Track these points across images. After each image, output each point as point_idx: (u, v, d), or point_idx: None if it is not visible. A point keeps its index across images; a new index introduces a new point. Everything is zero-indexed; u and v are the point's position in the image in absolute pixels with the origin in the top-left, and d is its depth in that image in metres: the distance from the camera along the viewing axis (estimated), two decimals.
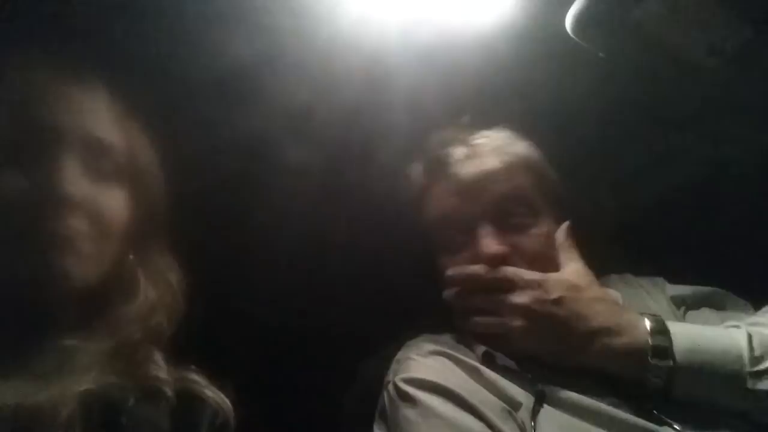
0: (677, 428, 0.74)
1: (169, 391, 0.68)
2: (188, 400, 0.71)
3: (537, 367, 0.83)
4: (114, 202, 0.73)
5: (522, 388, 0.81)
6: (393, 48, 0.99)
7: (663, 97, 0.96)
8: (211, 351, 0.77)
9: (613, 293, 0.95)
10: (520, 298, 0.84)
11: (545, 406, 0.78)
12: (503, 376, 0.82)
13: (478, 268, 0.88)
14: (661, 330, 0.79)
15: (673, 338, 0.78)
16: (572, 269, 0.89)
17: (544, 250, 0.92)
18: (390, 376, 0.87)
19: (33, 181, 0.65)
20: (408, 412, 0.80)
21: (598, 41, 0.89)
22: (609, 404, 0.77)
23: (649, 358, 0.77)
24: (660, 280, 1.02)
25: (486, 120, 1.02)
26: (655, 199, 1.12)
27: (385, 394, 0.86)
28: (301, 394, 1.00)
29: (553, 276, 0.87)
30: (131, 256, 0.76)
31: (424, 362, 0.87)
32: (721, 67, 0.88)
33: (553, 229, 0.94)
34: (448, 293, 0.91)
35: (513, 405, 0.79)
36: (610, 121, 1.04)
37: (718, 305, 0.96)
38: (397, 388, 0.83)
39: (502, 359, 0.85)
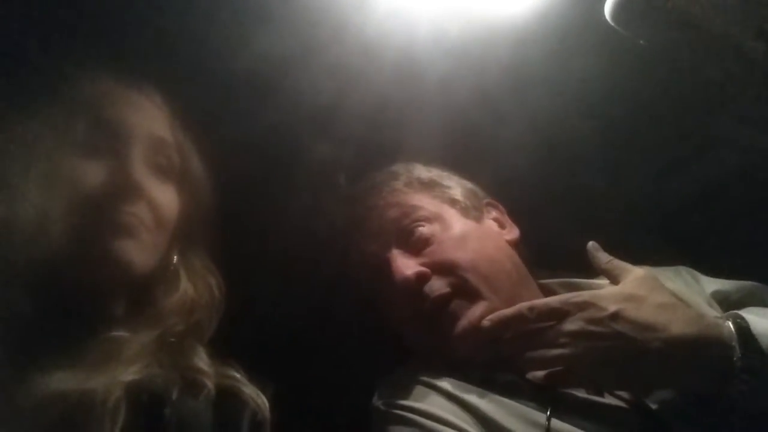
0: None
1: (210, 385, 0.70)
2: (228, 395, 0.72)
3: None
4: (169, 197, 0.78)
5: (528, 404, 0.78)
6: (423, 41, 0.97)
7: (707, 85, 0.93)
8: (250, 352, 0.78)
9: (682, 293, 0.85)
10: (571, 324, 0.74)
11: (558, 415, 0.76)
12: (501, 395, 0.79)
13: (519, 309, 0.79)
14: (747, 337, 0.70)
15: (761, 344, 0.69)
16: (628, 280, 0.80)
17: (461, 252, 0.89)
18: (374, 401, 0.87)
19: (108, 171, 0.71)
20: (393, 430, 0.80)
21: (640, 28, 0.86)
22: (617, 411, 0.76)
23: (736, 374, 0.68)
24: (685, 269, 0.96)
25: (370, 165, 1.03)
26: (698, 190, 1.09)
27: (373, 418, 0.86)
28: (336, 397, 0.97)
29: (602, 291, 0.79)
30: (175, 256, 0.80)
31: (407, 386, 0.85)
32: None
33: (464, 229, 0.92)
34: (498, 348, 0.81)
35: (523, 421, 0.76)
36: (650, 110, 1.01)
37: (764, 302, 0.89)
38: (382, 411, 0.83)
39: (502, 375, 0.81)
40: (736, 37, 0.84)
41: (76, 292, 0.68)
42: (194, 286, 0.79)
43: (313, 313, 1.01)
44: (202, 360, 0.73)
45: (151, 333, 0.70)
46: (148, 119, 0.78)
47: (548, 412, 0.75)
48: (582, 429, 0.74)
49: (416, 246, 0.91)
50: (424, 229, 0.91)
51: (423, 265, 0.88)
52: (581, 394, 0.79)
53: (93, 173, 0.70)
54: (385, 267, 0.90)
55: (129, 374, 0.64)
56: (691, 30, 0.84)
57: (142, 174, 0.73)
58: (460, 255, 0.88)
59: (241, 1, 0.88)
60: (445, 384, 0.82)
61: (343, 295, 1.00)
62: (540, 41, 0.97)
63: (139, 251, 0.71)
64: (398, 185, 0.98)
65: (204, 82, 0.88)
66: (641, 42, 0.87)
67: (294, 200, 1.01)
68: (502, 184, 1.06)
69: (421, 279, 0.87)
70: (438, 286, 0.86)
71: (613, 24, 0.86)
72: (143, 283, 0.75)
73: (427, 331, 0.88)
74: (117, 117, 0.75)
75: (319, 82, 0.96)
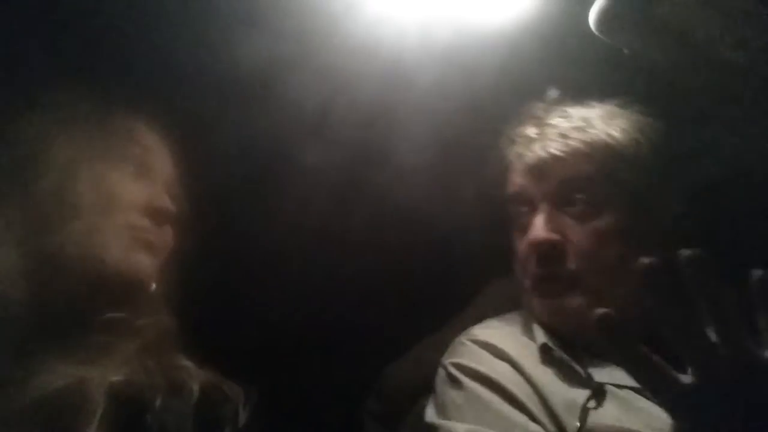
0: None
1: (194, 385, 0.72)
2: (211, 398, 0.74)
3: (594, 362, 0.81)
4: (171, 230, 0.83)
5: (574, 385, 0.79)
6: (411, 48, 0.97)
7: (689, 93, 0.94)
8: (233, 352, 0.78)
9: None
10: None
11: (600, 403, 0.76)
12: (557, 373, 0.81)
13: None
14: None
15: None
16: None
17: (599, 247, 0.85)
18: (444, 359, 0.88)
19: (147, 192, 0.79)
20: (454, 396, 0.80)
21: (623, 38, 0.87)
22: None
23: None
24: None
25: (578, 95, 0.95)
26: (687, 196, 1.09)
27: (437, 375, 0.87)
28: (324, 396, 0.99)
29: None
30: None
31: (475, 350, 0.86)
32: (749, 61, 0.85)
33: (619, 226, 0.86)
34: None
35: (562, 402, 0.77)
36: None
37: None
38: (446, 371, 0.85)
39: (559, 353, 0.83)
40: (717, 46, 0.85)
41: (84, 295, 0.71)
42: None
43: (309, 315, 1.03)
44: (185, 363, 0.75)
45: (135, 340, 0.72)
46: (169, 157, 0.85)
47: (587, 399, 0.76)
48: (619, 422, 0.74)
49: (567, 212, 0.88)
50: (583, 207, 0.87)
51: (562, 235, 0.87)
52: (627, 389, 0.78)
53: (134, 191, 0.77)
54: (527, 210, 0.91)
55: (115, 375, 0.66)
56: (673, 39, 0.85)
57: (170, 202, 0.81)
58: (592, 263, 0.86)
59: (229, 8, 0.89)
60: (513, 353, 0.84)
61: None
62: (528, 48, 0.97)
63: (152, 269, 0.77)
64: (588, 145, 0.89)
65: (192, 88, 0.89)
66: (624, 51, 0.88)
67: (284, 203, 1.02)
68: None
69: (547, 249, 0.86)
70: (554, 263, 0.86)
71: (597, 32, 0.87)
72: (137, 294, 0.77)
73: (527, 283, 0.90)
74: (153, 147, 0.82)
75: (308, 89, 0.97)
